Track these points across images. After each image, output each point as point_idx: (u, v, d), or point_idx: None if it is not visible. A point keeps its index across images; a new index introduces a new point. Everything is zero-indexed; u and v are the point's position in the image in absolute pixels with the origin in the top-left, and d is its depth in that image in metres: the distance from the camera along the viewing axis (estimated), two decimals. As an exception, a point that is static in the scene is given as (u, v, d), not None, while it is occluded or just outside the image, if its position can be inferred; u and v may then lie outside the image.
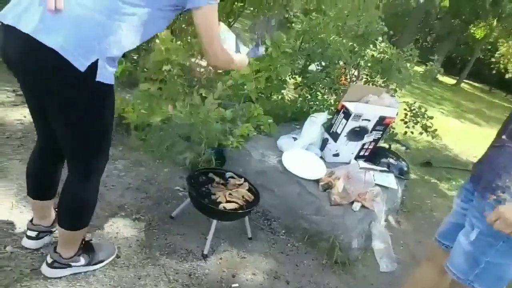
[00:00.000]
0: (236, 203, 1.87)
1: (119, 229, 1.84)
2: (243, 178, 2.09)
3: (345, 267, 2.05)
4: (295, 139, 2.54)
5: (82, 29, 1.08)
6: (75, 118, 1.22)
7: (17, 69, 1.19)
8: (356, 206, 2.14)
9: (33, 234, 1.56)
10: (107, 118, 1.30)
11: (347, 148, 2.56)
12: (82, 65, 1.08)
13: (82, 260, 1.50)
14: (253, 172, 2.36)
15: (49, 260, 1.44)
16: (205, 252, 1.83)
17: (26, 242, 1.56)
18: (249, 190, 2.02)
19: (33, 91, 1.26)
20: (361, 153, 2.70)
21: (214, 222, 1.84)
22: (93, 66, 1.10)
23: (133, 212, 1.98)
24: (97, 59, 1.10)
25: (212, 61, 1.38)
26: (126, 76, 3.21)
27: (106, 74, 1.15)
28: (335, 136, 2.52)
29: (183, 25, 3.60)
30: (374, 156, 2.79)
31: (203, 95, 2.86)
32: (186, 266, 1.74)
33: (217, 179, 2.03)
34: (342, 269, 2.04)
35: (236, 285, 1.73)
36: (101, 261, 1.58)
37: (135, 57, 3.63)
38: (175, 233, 1.93)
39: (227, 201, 1.86)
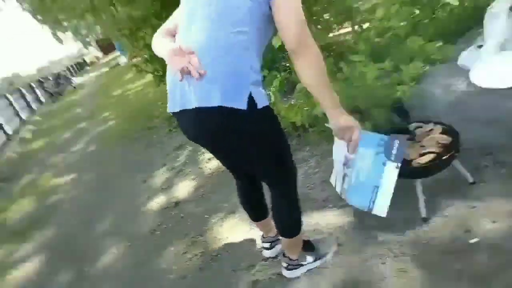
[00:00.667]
0: (432, 152, 1.64)
1: (330, 220, 1.95)
2: (431, 123, 1.81)
3: None
4: (479, 47, 2.01)
5: (222, 77, 1.21)
6: (261, 152, 1.37)
7: (200, 140, 1.44)
8: None
9: (267, 245, 1.87)
10: (282, 135, 1.42)
11: None
12: (243, 104, 1.20)
13: (309, 258, 1.68)
14: (443, 109, 2.02)
15: (284, 264, 1.68)
16: (423, 215, 1.67)
17: (265, 253, 1.89)
18: (443, 132, 1.72)
19: (220, 149, 1.47)
20: None
21: (418, 181, 1.66)
22: (250, 99, 1.21)
23: (337, 200, 2.05)
24: (250, 92, 1.21)
25: (297, 49, 1.17)
26: (285, 85, 3.44)
27: (261, 98, 1.26)
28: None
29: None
30: None
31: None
32: (409, 236, 1.64)
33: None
34: None
35: (476, 239, 1.49)
36: (326, 254, 1.71)
37: (287, 65, 3.85)
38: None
39: (421, 155, 1.66)
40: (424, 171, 1.65)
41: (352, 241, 1.76)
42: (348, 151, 1.29)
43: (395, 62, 2.38)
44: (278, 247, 1.88)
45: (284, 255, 1.68)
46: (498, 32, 1.91)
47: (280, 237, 1.66)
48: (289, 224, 1.58)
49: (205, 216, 2.55)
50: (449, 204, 1.70)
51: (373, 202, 1.22)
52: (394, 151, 1.20)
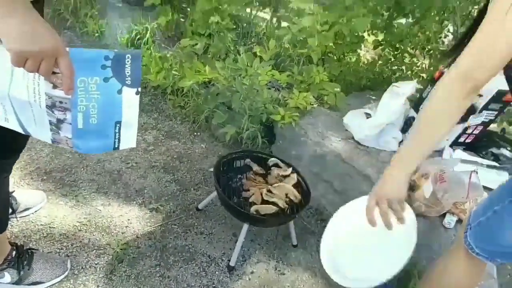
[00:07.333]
0: (275, 204, 1.39)
1: (130, 221, 1.50)
2: (291, 168, 1.58)
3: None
4: (368, 116, 1.92)
5: None
6: None
7: None
8: (450, 220, 1.50)
9: None
10: None
11: (441, 133, 1.86)
12: None
13: (7, 277, 1.14)
14: (308, 156, 1.85)
15: None
16: (232, 263, 1.41)
17: None
18: (296, 184, 1.51)
19: None
20: (461, 140, 1.98)
21: (245, 226, 1.39)
22: None
23: (153, 199, 1.63)
24: None
25: None
26: (172, 30, 2.80)
27: None
28: (426, 115, 1.83)
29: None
30: (479, 144, 2.04)
31: (258, 54, 2.34)
32: (203, 282, 1.35)
33: (255, 167, 1.55)
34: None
35: (267, 314, 1.30)
36: (37, 283, 1.19)
37: (184, 6, 3.17)
38: (198, 231, 1.54)
39: (263, 201, 1.39)
40: (257, 221, 1.38)
41: (138, 261, 1.35)
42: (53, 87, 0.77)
43: (290, 80, 2.11)
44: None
45: None
46: (389, 112, 1.85)
47: None
48: None
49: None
50: (262, 260, 1.50)
51: (118, 139, 0.94)
52: (127, 72, 0.86)
